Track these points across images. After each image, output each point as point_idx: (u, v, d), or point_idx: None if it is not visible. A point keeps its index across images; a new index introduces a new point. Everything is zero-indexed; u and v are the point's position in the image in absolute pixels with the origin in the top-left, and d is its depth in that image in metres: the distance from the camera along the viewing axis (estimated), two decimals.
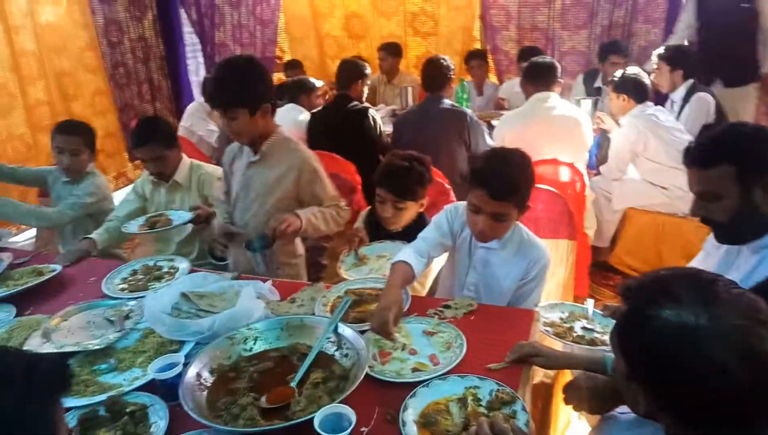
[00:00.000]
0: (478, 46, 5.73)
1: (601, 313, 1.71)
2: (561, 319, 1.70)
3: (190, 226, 2.45)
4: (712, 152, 1.42)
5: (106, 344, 1.57)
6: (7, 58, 4.35)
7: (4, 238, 2.43)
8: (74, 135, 2.65)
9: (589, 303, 1.74)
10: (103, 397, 1.36)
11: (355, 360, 1.40)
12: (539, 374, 1.63)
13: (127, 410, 1.32)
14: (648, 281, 0.91)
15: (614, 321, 0.96)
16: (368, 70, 3.63)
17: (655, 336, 0.84)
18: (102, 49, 5.15)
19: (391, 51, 5.28)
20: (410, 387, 1.33)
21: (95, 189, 2.69)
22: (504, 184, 1.63)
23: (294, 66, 5.54)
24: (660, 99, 3.86)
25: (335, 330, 1.50)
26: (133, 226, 2.33)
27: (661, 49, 3.82)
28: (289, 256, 2.26)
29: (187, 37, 5.75)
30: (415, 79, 5.39)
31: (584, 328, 1.65)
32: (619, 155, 3.40)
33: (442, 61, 3.39)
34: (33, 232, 2.81)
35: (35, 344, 1.56)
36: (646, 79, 3.36)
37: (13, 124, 4.42)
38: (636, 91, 3.33)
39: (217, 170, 2.66)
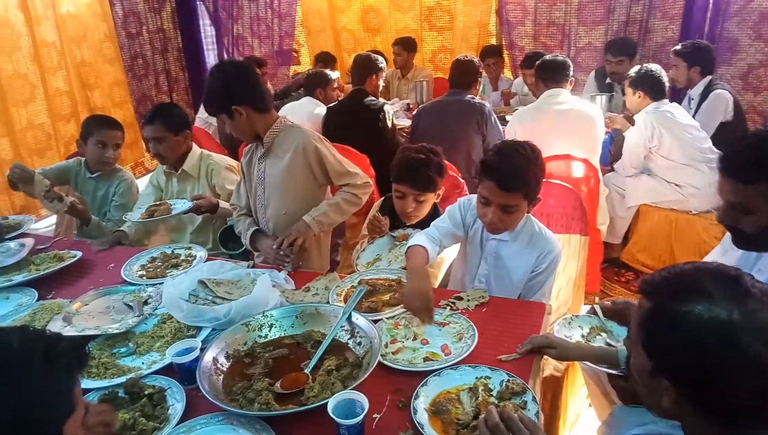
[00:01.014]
0: (493, 41, 5.71)
1: (608, 303, 1.66)
2: (583, 336, 1.59)
3: (200, 217, 2.49)
4: (753, 169, 1.38)
5: (125, 329, 1.61)
6: (29, 49, 4.43)
7: (25, 225, 2.47)
8: (119, 130, 2.70)
9: (598, 310, 1.66)
10: (122, 379, 1.40)
11: (367, 348, 1.42)
12: (549, 367, 1.64)
13: (145, 392, 1.36)
14: (671, 276, 0.90)
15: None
16: (383, 65, 3.64)
17: (687, 332, 0.83)
18: (120, 40, 5.21)
19: (406, 45, 5.28)
20: (422, 376, 1.36)
21: (132, 191, 2.76)
22: (513, 175, 1.65)
23: (326, 60, 5.47)
24: (678, 96, 3.83)
25: (349, 319, 1.53)
26: (135, 215, 2.38)
27: (678, 46, 3.79)
28: (312, 252, 2.28)
29: (206, 30, 5.79)
30: (430, 74, 5.40)
31: (608, 344, 1.57)
32: (633, 152, 3.38)
33: (473, 62, 3.47)
34: (53, 218, 2.86)
35: (57, 327, 1.60)
36: (664, 76, 3.34)
37: (34, 113, 4.50)
38: (652, 88, 3.30)
39: (226, 160, 2.70)
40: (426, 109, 3.62)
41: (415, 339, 1.53)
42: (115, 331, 1.59)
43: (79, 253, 2.13)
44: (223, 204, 2.47)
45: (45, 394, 0.85)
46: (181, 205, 2.38)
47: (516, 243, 1.81)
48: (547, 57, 3.47)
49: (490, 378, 1.34)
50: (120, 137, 2.72)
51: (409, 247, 1.76)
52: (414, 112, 3.87)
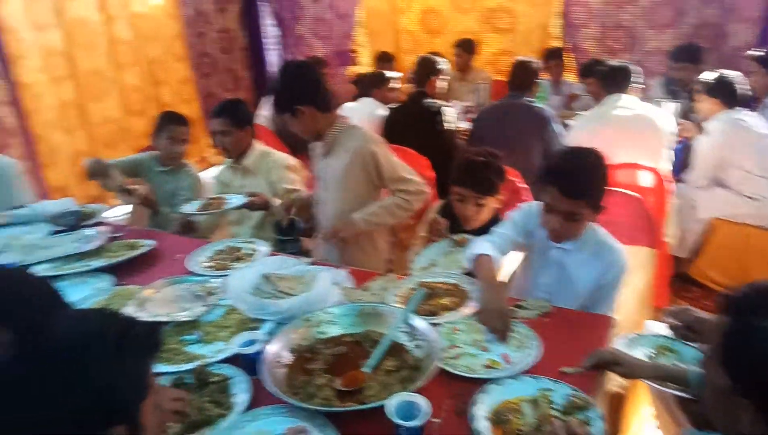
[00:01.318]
0: (555, 44, 5.59)
1: (670, 318, 1.60)
2: (649, 356, 1.51)
3: (258, 213, 2.56)
4: None
5: (193, 317, 1.68)
6: (105, 46, 4.67)
7: (101, 213, 2.60)
8: (187, 126, 2.86)
9: (659, 327, 1.61)
10: (190, 365, 1.46)
11: (427, 351, 1.42)
12: (613, 382, 1.59)
13: (212, 380, 1.41)
14: (754, 292, 0.89)
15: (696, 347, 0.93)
16: (444, 67, 3.63)
17: None
18: (189, 39, 5.42)
19: (466, 47, 5.24)
20: (481, 383, 1.34)
21: (197, 185, 2.92)
22: (576, 181, 1.62)
23: (384, 59, 5.51)
24: (753, 104, 3.62)
25: (408, 321, 1.53)
26: (191, 208, 2.48)
27: (755, 51, 3.59)
28: (367, 252, 2.31)
29: (269, 29, 5.94)
30: (489, 77, 5.34)
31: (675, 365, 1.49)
32: (703, 161, 3.24)
33: (531, 63, 3.43)
34: (127, 208, 3.01)
35: (131, 312, 1.68)
36: (741, 84, 3.18)
37: (108, 108, 4.74)
38: (727, 95, 3.15)
39: (287, 158, 2.77)
40: (485, 113, 3.60)
41: (474, 345, 1.52)
42: (184, 319, 1.66)
43: (154, 242, 2.23)
44: (276, 202, 2.53)
45: (125, 376, 0.88)
46: (234, 201, 2.46)
47: (580, 252, 1.76)
48: (612, 63, 3.38)
49: (552, 390, 1.31)
50: (187, 133, 2.84)
51: (474, 256, 1.74)
52: (472, 116, 3.85)
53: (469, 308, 1.67)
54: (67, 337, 0.86)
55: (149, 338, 0.95)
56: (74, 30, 4.43)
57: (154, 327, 1.01)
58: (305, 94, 2.04)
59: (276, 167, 2.67)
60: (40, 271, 2.03)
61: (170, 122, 2.80)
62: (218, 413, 1.32)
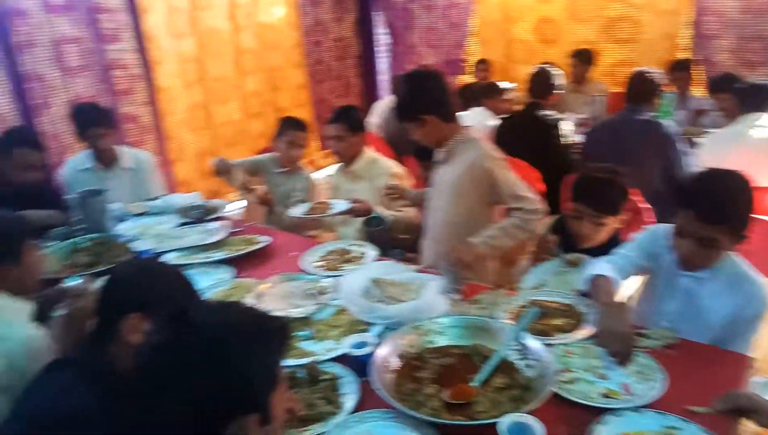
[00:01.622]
0: (683, 55, 5.20)
1: None
2: None
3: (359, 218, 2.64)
4: None
5: (305, 314, 1.74)
6: (231, 54, 5.02)
7: (222, 208, 2.79)
8: (305, 131, 3.03)
9: None
10: (302, 361, 1.51)
11: (540, 373, 1.37)
12: (749, 430, 1.44)
13: (323, 377, 1.45)
14: None
15: None
16: (561, 79, 3.51)
17: None
18: (307, 47, 5.68)
19: (584, 58, 5.03)
20: (599, 412, 1.27)
21: (310, 188, 3.07)
22: (716, 205, 1.49)
23: (483, 68, 5.48)
24: None
25: (519, 339, 1.48)
26: (298, 211, 2.60)
27: None
28: (483, 268, 2.27)
29: (381, 38, 6.08)
30: (605, 89, 5.08)
31: None
32: None
33: (652, 74, 3.20)
34: (242, 203, 3.21)
35: (250, 304, 1.78)
36: None
37: (230, 111, 5.09)
38: None
39: (393, 166, 2.82)
40: (601, 127, 3.42)
41: (590, 371, 1.44)
42: (298, 316, 1.73)
43: (270, 239, 2.35)
44: (379, 210, 2.57)
45: (259, 367, 0.93)
46: (339, 207, 2.55)
47: (715, 282, 1.61)
48: (752, 80, 3.08)
49: (680, 429, 1.21)
50: (305, 138, 2.99)
51: (593, 276, 1.66)
52: (587, 129, 3.68)
53: (584, 331, 1.58)
54: (208, 327, 0.92)
55: (281, 332, 1.00)
56: (206, 39, 4.81)
57: (285, 321, 1.05)
58: (430, 104, 2.05)
59: (382, 174, 2.74)
60: (170, 259, 2.21)
61: (290, 127, 2.96)
62: (329, 411, 1.35)
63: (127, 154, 3.01)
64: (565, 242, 2.10)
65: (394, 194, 2.61)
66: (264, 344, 0.95)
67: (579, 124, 4.24)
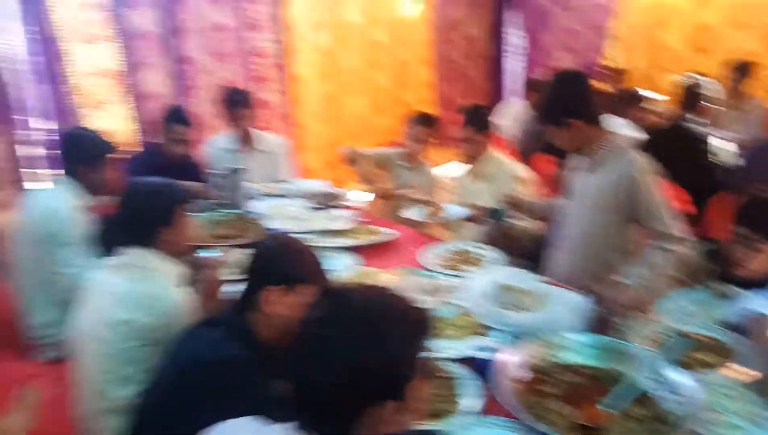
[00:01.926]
0: None
1: None
2: None
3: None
4: None
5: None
6: (364, 47, 5.15)
7: (347, 197, 2.86)
8: (432, 127, 3.01)
9: None
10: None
11: (683, 409, 1.25)
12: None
13: (442, 376, 1.43)
14: None
15: None
16: (718, 93, 3.19)
17: None
18: (437, 44, 5.67)
19: (742, 70, 4.53)
20: None
21: (431, 184, 3.08)
22: None
23: (618, 78, 5.16)
24: None
25: (662, 369, 1.36)
26: (414, 213, 2.65)
27: None
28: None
29: (514, 39, 5.92)
30: (762, 105, 4.54)
31: None
32: None
33: None
34: (366, 195, 3.28)
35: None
36: None
37: (359, 104, 5.23)
38: None
39: (520, 170, 2.73)
40: (759, 147, 3.07)
41: (744, 416, 1.28)
42: None
43: (397, 233, 2.39)
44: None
45: (406, 353, 0.92)
46: (457, 213, 2.56)
47: None
48: None
49: None
50: (431, 134, 2.97)
51: (754, 314, 1.48)
52: (743, 149, 3.31)
53: (736, 370, 1.42)
54: (365, 307, 0.93)
55: (426, 322, 0.99)
56: (341, 31, 4.98)
57: (428, 311, 1.04)
58: (577, 107, 1.95)
59: (508, 177, 2.67)
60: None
61: (418, 123, 2.97)
62: (444, 409, 1.33)
63: (263, 137, 3.19)
64: (721, 271, 1.89)
65: (514, 205, 2.46)
66: (410, 331, 0.94)
67: (730, 140, 3.83)
